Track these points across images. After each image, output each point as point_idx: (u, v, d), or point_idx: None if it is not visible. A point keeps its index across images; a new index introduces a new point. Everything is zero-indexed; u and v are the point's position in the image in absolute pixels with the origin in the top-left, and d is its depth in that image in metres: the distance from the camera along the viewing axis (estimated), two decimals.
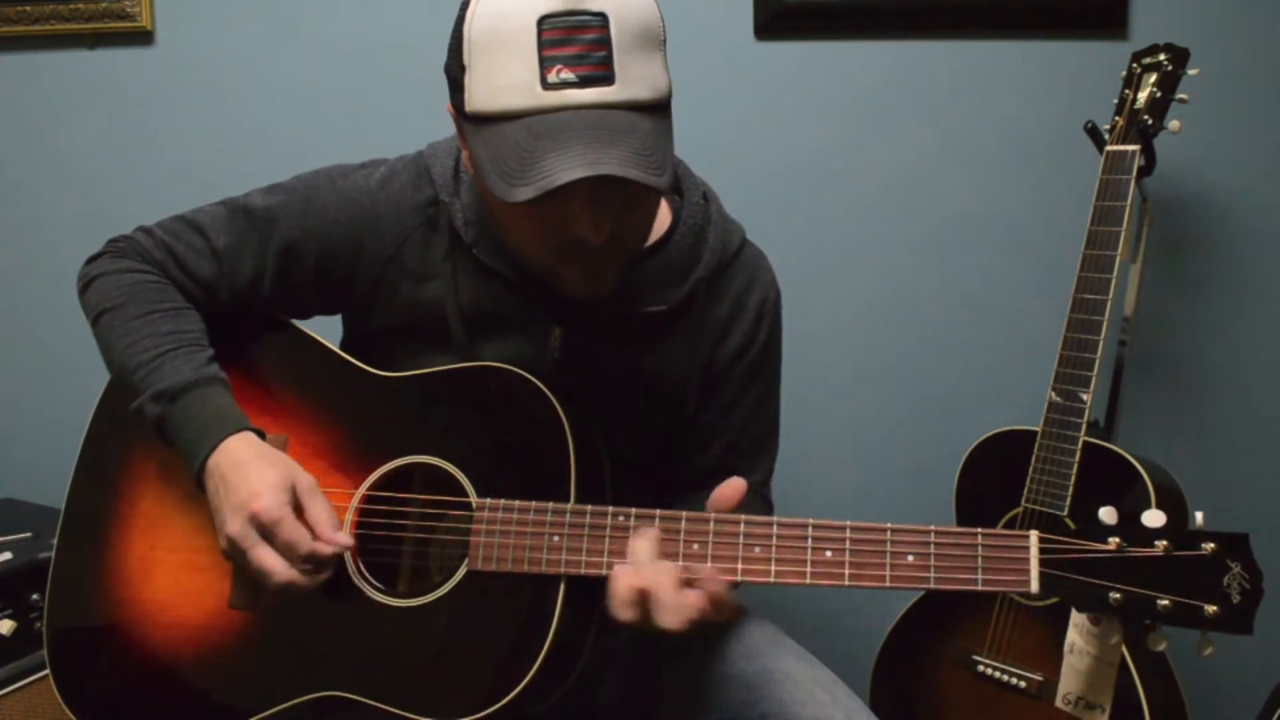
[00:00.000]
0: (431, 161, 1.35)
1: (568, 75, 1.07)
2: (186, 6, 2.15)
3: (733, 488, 1.16)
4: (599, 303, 1.28)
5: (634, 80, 1.09)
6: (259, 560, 1.17)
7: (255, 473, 1.20)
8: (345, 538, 1.21)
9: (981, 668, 1.76)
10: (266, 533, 1.18)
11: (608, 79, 1.08)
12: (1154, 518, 1.01)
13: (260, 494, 1.18)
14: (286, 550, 1.17)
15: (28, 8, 2.14)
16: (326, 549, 1.19)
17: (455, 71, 1.13)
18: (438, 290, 1.33)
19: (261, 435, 1.26)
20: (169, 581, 1.31)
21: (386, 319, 1.36)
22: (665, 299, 1.34)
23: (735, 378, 1.41)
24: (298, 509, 1.20)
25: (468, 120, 1.13)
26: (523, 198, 1.05)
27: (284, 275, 1.36)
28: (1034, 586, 1.03)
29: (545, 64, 1.06)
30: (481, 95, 1.10)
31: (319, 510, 1.21)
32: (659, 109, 1.14)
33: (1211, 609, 0.98)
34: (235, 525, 1.18)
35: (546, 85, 1.07)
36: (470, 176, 1.31)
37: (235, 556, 1.20)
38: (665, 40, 1.15)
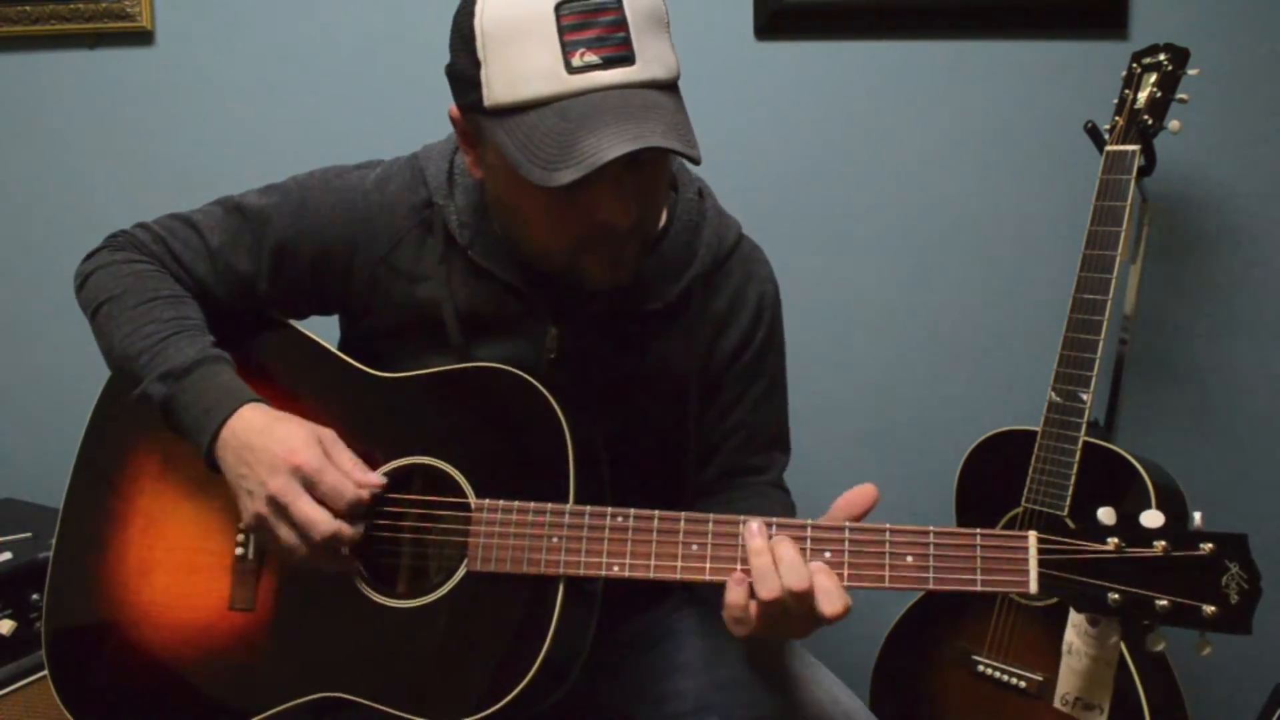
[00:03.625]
0: (426, 164, 1.35)
1: (591, 58, 1.07)
2: (186, 6, 2.15)
3: (863, 493, 1.11)
4: (602, 298, 1.28)
5: (652, 60, 1.10)
6: (303, 513, 1.17)
7: (284, 430, 1.20)
8: (379, 477, 1.22)
9: (981, 668, 1.76)
10: (309, 483, 1.18)
11: (629, 59, 1.08)
12: (1152, 518, 1.01)
13: (297, 449, 1.18)
14: (331, 497, 1.17)
15: (28, 8, 2.14)
16: (365, 493, 1.19)
17: (467, 68, 1.13)
18: (432, 292, 1.33)
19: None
20: (168, 581, 1.31)
21: (382, 320, 1.36)
22: (662, 296, 1.33)
23: (737, 375, 1.41)
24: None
25: (486, 115, 1.12)
26: (568, 179, 1.05)
27: (278, 275, 1.36)
28: (1033, 587, 1.03)
29: (567, 49, 1.07)
30: (503, 87, 1.10)
31: (346, 458, 1.22)
32: (674, 88, 1.15)
33: (1210, 609, 0.98)
34: (277, 482, 1.17)
35: (571, 69, 1.07)
36: (470, 179, 1.31)
37: (271, 519, 1.18)
38: (669, 22, 1.16)
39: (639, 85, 1.09)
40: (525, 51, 1.08)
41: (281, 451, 1.18)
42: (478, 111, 1.14)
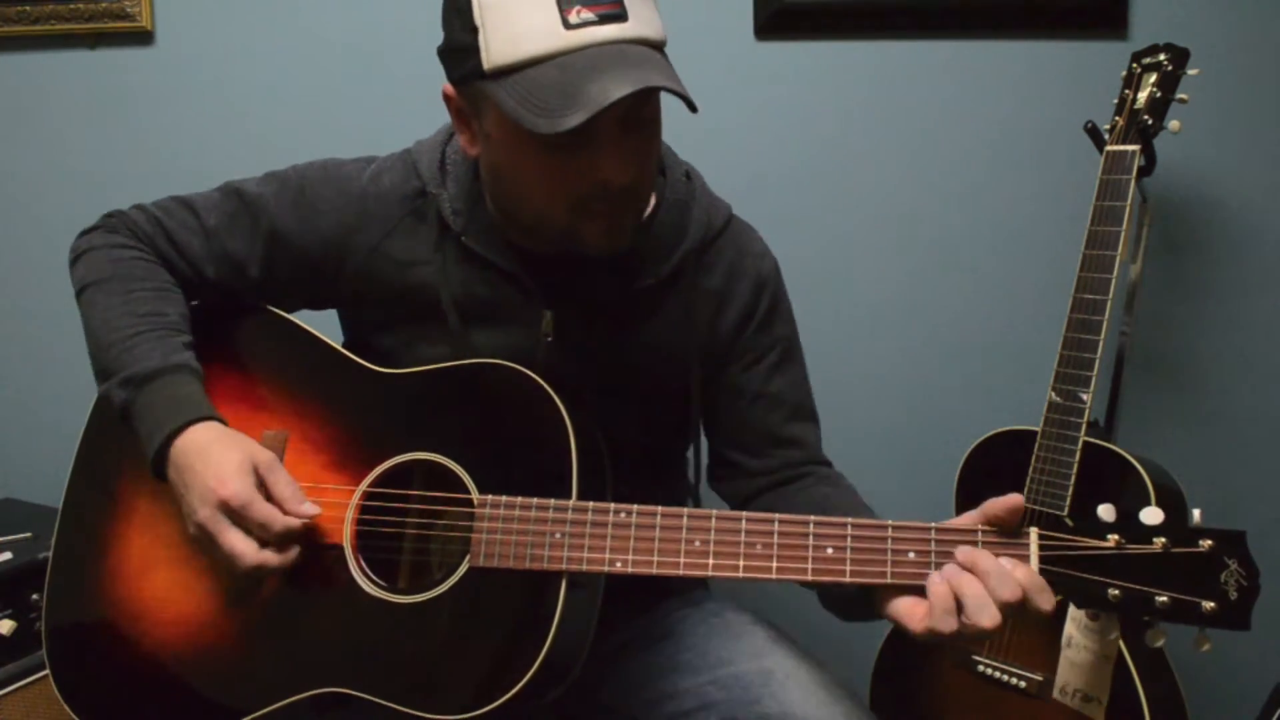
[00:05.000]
0: (418, 156, 1.38)
1: (587, 14, 1.11)
2: (186, 6, 2.15)
3: (1006, 507, 1.09)
4: (597, 276, 1.30)
5: (642, 20, 1.14)
6: (228, 545, 1.18)
7: (216, 457, 1.21)
8: (313, 507, 1.22)
9: (981, 668, 1.76)
10: (236, 517, 1.19)
11: (622, 16, 1.12)
12: (1152, 515, 1.01)
13: (226, 479, 1.19)
14: (260, 530, 1.19)
15: (28, 8, 2.14)
16: (297, 522, 1.20)
17: (463, 38, 1.15)
18: (427, 278, 1.35)
19: (223, 422, 1.27)
20: (168, 578, 1.32)
21: (377, 310, 1.38)
22: (655, 272, 1.35)
23: (746, 347, 1.42)
24: (261, 487, 1.21)
25: (486, 78, 1.14)
26: (574, 123, 1.08)
27: (271, 260, 1.39)
28: None
29: (564, 6, 1.10)
30: (501, 47, 1.12)
31: (283, 485, 1.22)
32: (663, 50, 1.18)
33: (1209, 605, 0.98)
34: (204, 513, 1.19)
35: (569, 26, 1.10)
36: (462, 168, 1.34)
37: (203, 543, 1.22)
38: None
39: (633, 41, 1.13)
40: (522, 12, 1.11)
41: (212, 482, 1.19)
42: (476, 78, 1.16)
